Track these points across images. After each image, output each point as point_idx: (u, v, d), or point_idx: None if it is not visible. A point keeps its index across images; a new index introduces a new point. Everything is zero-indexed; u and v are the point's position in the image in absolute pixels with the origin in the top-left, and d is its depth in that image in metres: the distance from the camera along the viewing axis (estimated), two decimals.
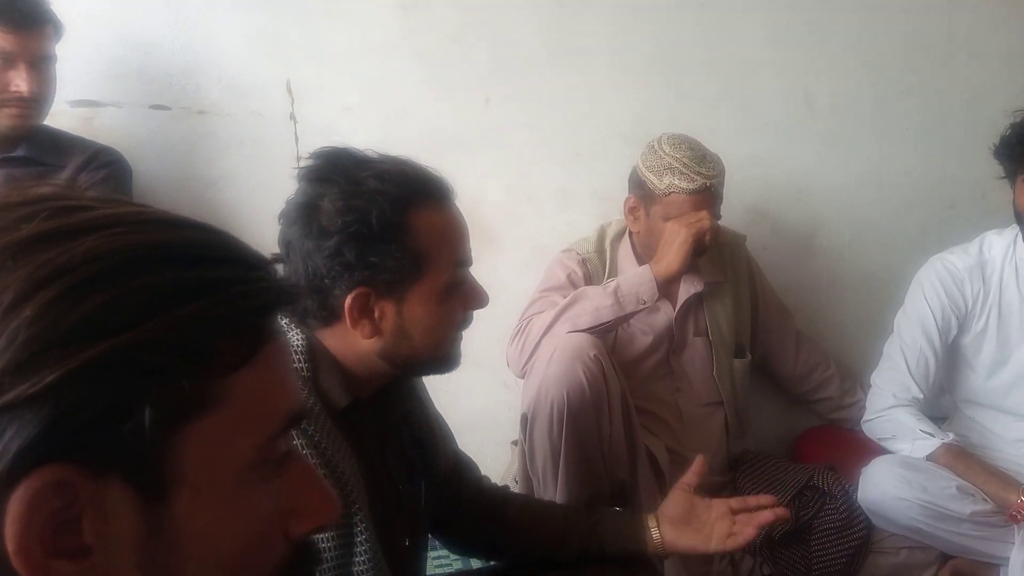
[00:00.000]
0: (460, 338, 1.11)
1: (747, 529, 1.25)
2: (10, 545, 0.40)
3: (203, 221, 0.50)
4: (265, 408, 0.48)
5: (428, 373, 1.16)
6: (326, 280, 1.00)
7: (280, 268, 1.03)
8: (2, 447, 0.39)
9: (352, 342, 1.04)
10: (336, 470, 0.98)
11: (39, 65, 1.62)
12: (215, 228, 0.50)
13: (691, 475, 1.33)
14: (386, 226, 0.98)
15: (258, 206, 1.97)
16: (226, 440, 0.46)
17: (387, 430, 1.15)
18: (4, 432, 0.39)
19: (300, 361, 1.01)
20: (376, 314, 1.02)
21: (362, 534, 1.00)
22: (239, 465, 0.47)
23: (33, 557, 0.40)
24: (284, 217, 1.03)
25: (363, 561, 1.00)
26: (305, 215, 1.00)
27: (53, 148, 1.72)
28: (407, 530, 1.17)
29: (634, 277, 1.71)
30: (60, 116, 1.79)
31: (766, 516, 1.26)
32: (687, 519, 1.29)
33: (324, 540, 0.97)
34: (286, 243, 1.03)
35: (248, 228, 1.98)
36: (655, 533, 1.29)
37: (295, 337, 1.03)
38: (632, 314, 1.71)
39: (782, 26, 2.12)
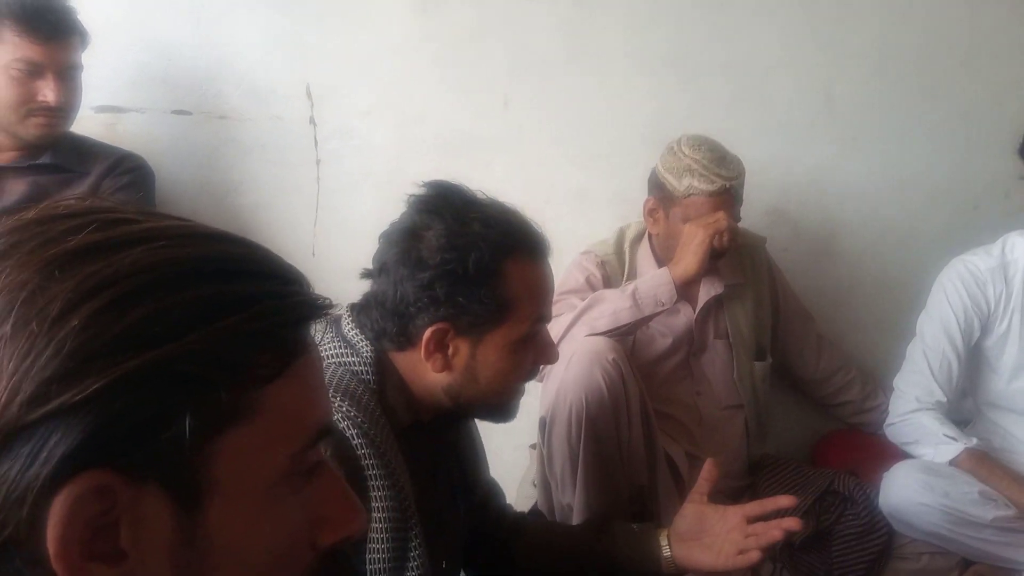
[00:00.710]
0: (522, 391, 1.14)
1: (752, 553, 1.18)
2: (51, 547, 0.41)
3: (240, 235, 0.51)
4: (297, 420, 0.50)
5: (484, 418, 1.18)
6: (411, 308, 1.03)
7: (370, 284, 1.08)
8: (47, 452, 0.41)
9: (421, 371, 1.07)
10: (398, 483, 1.00)
11: (66, 75, 1.65)
12: (252, 242, 0.51)
13: (702, 482, 1.27)
14: (482, 270, 1.01)
15: (279, 210, 1.99)
16: (259, 451, 0.47)
17: (440, 455, 1.17)
18: (49, 438, 0.41)
19: (368, 373, 1.04)
20: (450, 350, 1.05)
21: (416, 548, 1.02)
22: (271, 476, 0.48)
23: (72, 560, 0.42)
24: (385, 237, 1.06)
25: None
26: (406, 241, 1.03)
27: (77, 155, 1.74)
28: (445, 553, 1.18)
29: (652, 279, 1.70)
30: (84, 122, 1.81)
31: (774, 535, 1.19)
32: (698, 533, 1.24)
33: (380, 551, 0.99)
34: (381, 262, 1.06)
35: (269, 232, 2.01)
36: (666, 552, 1.24)
37: (364, 348, 1.06)
38: (651, 317, 1.70)
39: (800, 26, 2.10)
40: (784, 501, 1.24)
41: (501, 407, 1.12)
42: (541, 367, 1.17)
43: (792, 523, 1.20)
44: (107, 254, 0.44)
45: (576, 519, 1.57)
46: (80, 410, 0.41)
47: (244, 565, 0.47)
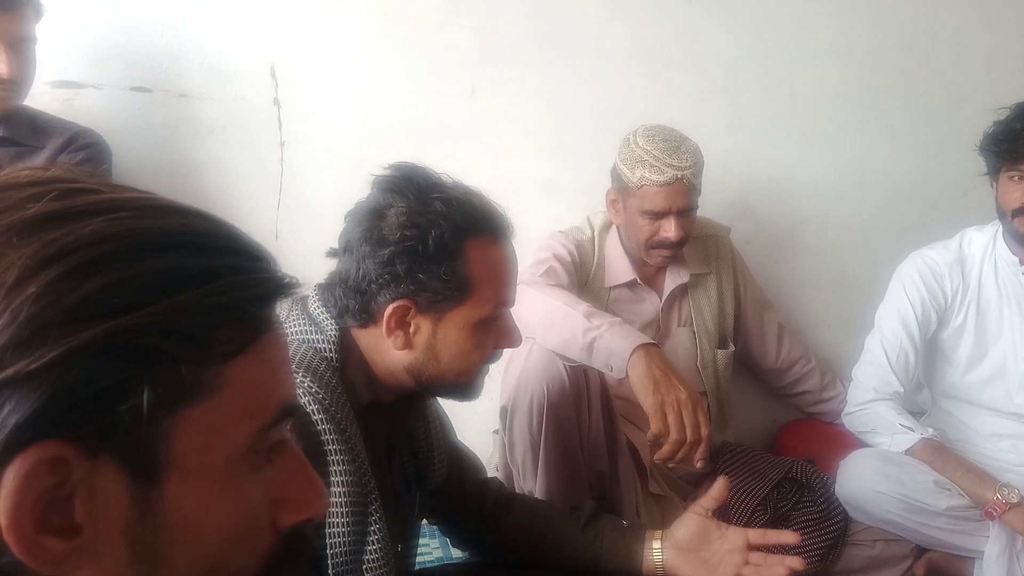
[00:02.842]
0: (486, 371, 1.15)
1: None
2: (3, 519, 0.40)
3: (207, 210, 0.50)
4: (259, 398, 0.49)
5: (447, 397, 1.18)
6: (373, 285, 1.04)
7: (335, 264, 1.09)
8: (0, 421, 0.40)
9: (384, 349, 1.08)
10: (357, 459, 1.01)
11: (18, 47, 1.59)
12: (218, 217, 0.50)
13: (709, 499, 1.26)
14: (441, 248, 1.03)
15: (240, 192, 1.95)
16: (219, 427, 0.46)
17: (396, 438, 1.18)
18: (3, 406, 0.40)
19: (331, 351, 1.06)
20: (412, 328, 1.07)
21: (376, 524, 1.03)
22: (230, 453, 0.47)
23: (24, 532, 0.41)
24: (351, 216, 1.08)
25: (375, 551, 1.03)
26: (369, 220, 1.05)
27: (32, 129, 1.69)
28: (400, 536, 1.19)
29: (617, 343, 1.49)
30: (40, 97, 1.75)
31: (779, 572, 1.19)
32: (696, 545, 1.24)
33: (340, 526, 1.00)
34: (346, 241, 1.07)
35: (231, 214, 1.93)
36: (657, 555, 1.24)
37: (329, 327, 1.07)
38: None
39: (768, 22, 2.12)
40: (788, 537, 1.25)
41: (464, 386, 1.13)
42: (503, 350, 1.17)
43: (797, 563, 1.20)
44: (68, 222, 0.43)
45: None
46: (35, 379, 0.40)
47: (201, 543, 0.47)
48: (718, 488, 1.27)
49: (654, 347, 1.50)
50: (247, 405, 0.48)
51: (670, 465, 1.47)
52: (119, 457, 0.43)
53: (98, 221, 0.44)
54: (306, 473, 0.54)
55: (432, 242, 1.02)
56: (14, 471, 0.40)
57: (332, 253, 1.10)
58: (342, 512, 1.00)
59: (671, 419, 1.40)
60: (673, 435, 1.39)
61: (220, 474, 0.47)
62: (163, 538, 0.45)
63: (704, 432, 1.40)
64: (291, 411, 0.52)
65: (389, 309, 1.04)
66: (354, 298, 1.06)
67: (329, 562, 1.01)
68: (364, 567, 1.03)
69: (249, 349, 0.47)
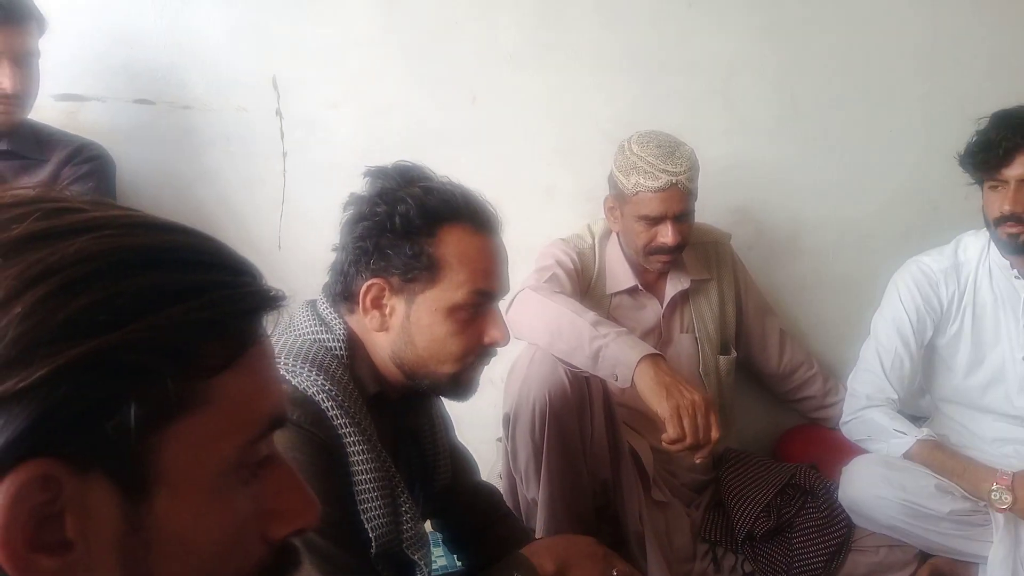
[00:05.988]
0: (475, 367, 1.14)
1: None
2: None
3: (191, 226, 0.51)
4: (247, 411, 0.49)
5: (438, 393, 1.18)
6: (351, 266, 1.09)
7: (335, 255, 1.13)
8: None
9: (372, 337, 1.11)
10: (376, 446, 1.05)
11: (23, 62, 1.61)
12: (203, 233, 0.51)
13: None
14: (407, 224, 1.06)
15: (243, 202, 1.96)
16: (208, 441, 0.47)
17: (400, 435, 1.20)
18: None
19: (340, 348, 1.09)
20: (388, 309, 1.09)
21: (405, 503, 1.07)
22: (220, 467, 0.48)
23: (16, 550, 0.41)
24: (345, 207, 1.12)
25: (409, 528, 1.07)
26: (354, 206, 1.10)
27: (36, 143, 1.71)
28: None
29: (623, 353, 1.50)
30: (44, 110, 1.77)
31: None
32: None
33: (375, 508, 1.04)
34: (341, 232, 1.12)
35: (233, 224, 1.98)
36: None
37: (337, 325, 1.10)
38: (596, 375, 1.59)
39: (768, 27, 2.12)
40: None
41: (451, 379, 1.12)
42: (495, 348, 1.15)
43: None
44: (52, 242, 0.44)
45: (541, 513, 1.57)
46: (23, 398, 0.40)
47: (192, 556, 0.47)
48: None
49: (660, 357, 1.51)
50: (235, 418, 0.48)
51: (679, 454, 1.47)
52: (109, 473, 0.43)
53: (82, 240, 0.44)
54: (296, 484, 0.54)
55: (399, 218, 1.05)
56: (4, 490, 0.40)
57: (335, 248, 1.14)
58: (374, 496, 1.04)
59: (686, 423, 1.41)
60: (689, 440, 1.41)
61: (210, 487, 0.47)
62: (155, 552, 0.45)
63: (714, 435, 1.42)
64: (279, 423, 0.53)
65: (364, 287, 1.08)
66: (339, 280, 1.10)
67: (372, 536, 1.04)
68: (403, 545, 1.07)
69: (236, 363, 0.48)
